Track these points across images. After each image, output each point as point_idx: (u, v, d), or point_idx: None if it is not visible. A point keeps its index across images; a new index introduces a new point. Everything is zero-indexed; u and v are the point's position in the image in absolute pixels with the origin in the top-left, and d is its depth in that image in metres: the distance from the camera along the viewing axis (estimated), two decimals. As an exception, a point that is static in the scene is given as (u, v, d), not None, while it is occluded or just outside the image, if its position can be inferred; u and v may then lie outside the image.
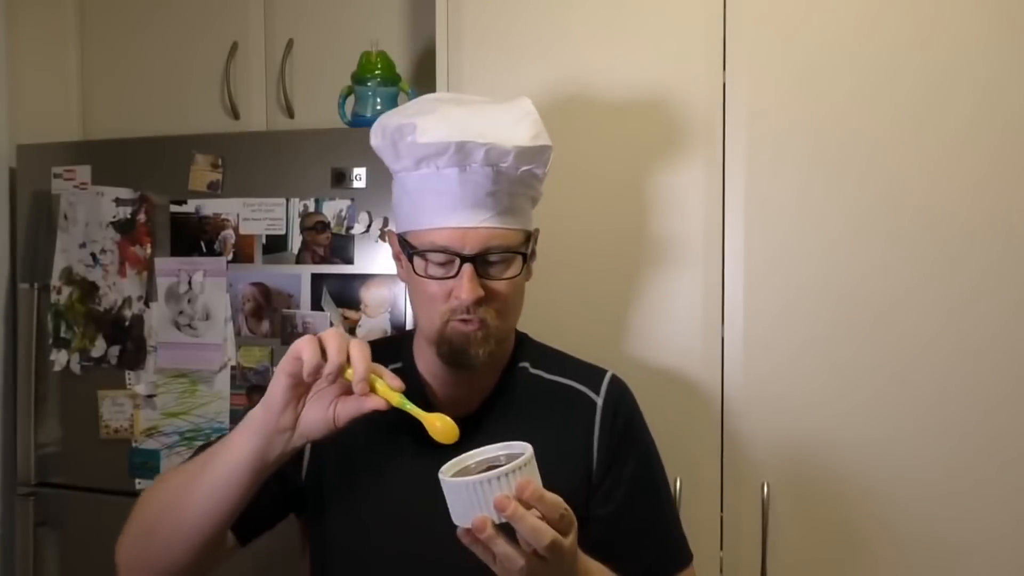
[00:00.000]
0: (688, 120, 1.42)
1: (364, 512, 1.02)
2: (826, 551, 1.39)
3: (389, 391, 0.85)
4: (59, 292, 1.77)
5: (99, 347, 1.75)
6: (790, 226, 1.39)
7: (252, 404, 1.63)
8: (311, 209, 1.62)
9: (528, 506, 0.77)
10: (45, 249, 1.79)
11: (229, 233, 1.67)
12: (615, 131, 1.45)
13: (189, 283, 1.69)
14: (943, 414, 1.34)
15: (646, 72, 1.44)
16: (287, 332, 1.64)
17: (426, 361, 1.05)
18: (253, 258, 1.66)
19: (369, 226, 1.59)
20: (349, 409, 0.87)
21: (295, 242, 1.64)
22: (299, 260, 1.63)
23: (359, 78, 1.72)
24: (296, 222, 1.63)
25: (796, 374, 1.39)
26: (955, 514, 1.34)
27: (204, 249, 1.69)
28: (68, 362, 1.77)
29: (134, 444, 1.73)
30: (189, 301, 1.69)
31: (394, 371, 1.04)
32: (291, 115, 1.97)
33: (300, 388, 0.87)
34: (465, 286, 0.94)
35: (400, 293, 1.58)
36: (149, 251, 1.72)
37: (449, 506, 0.80)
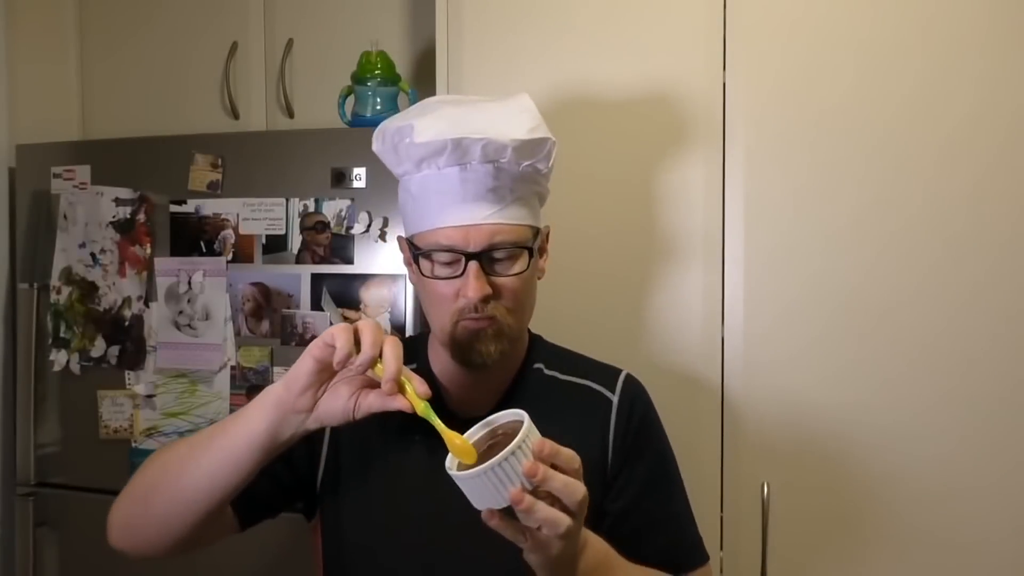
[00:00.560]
0: (688, 119, 1.42)
1: (379, 508, 1.02)
2: (826, 551, 1.39)
3: (416, 397, 0.84)
4: (59, 292, 1.77)
5: (99, 347, 1.75)
6: (790, 225, 1.39)
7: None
8: (311, 209, 1.62)
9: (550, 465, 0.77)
10: (45, 249, 1.79)
11: (229, 233, 1.67)
12: (615, 130, 1.45)
13: (189, 283, 1.69)
14: (944, 414, 1.34)
15: (646, 71, 1.44)
16: (287, 332, 1.64)
17: (441, 362, 1.05)
18: (253, 258, 1.66)
19: (369, 226, 1.59)
20: (372, 403, 0.86)
21: (295, 242, 1.64)
22: (299, 260, 1.63)
23: (359, 78, 1.72)
24: (296, 222, 1.63)
25: (796, 374, 1.39)
26: (956, 514, 1.34)
27: (204, 249, 1.69)
28: (68, 362, 1.77)
29: (134, 444, 1.73)
30: (189, 301, 1.69)
31: None
32: (291, 115, 1.97)
33: (325, 374, 0.86)
34: (471, 284, 0.94)
35: (400, 293, 1.58)
36: (149, 251, 1.72)
37: (469, 497, 0.79)
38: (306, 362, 0.85)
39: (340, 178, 1.61)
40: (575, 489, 0.77)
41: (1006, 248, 1.32)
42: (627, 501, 1.04)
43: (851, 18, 1.36)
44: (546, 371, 1.08)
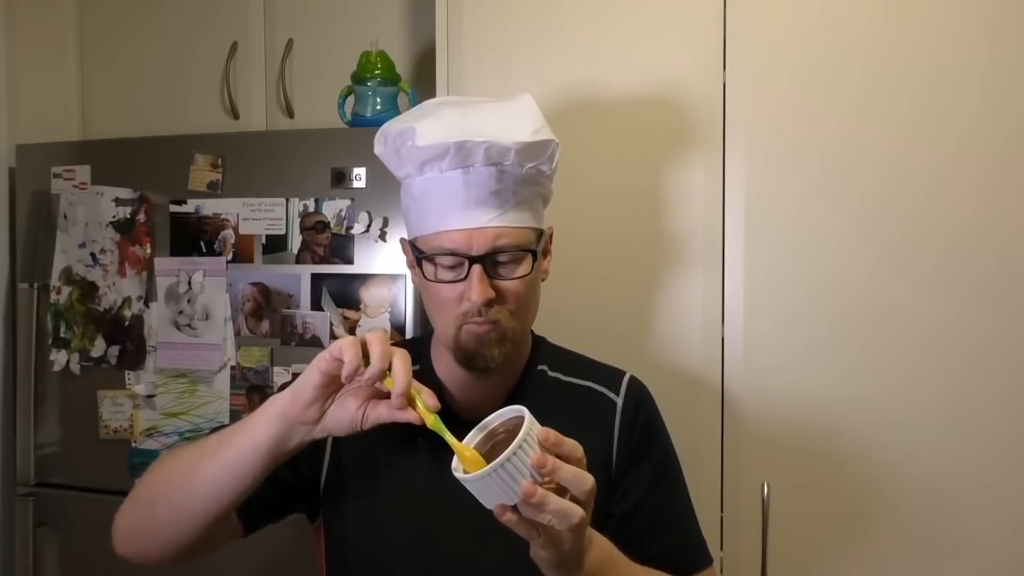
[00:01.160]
0: (688, 120, 1.42)
1: (383, 513, 1.02)
2: (826, 551, 1.39)
3: (426, 411, 0.84)
4: (59, 292, 1.77)
5: (99, 347, 1.75)
6: (790, 227, 1.39)
7: (252, 404, 1.66)
8: (311, 209, 1.62)
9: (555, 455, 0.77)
10: (45, 249, 1.79)
11: (229, 233, 1.67)
12: (614, 131, 1.45)
13: (189, 283, 1.69)
14: (944, 415, 1.34)
15: (646, 72, 1.43)
16: (287, 332, 1.64)
17: (444, 365, 1.04)
18: (253, 258, 1.66)
19: (369, 226, 1.59)
20: (381, 415, 0.86)
21: (295, 242, 1.64)
22: (299, 260, 1.63)
23: (359, 78, 1.72)
24: (296, 222, 1.63)
25: (797, 374, 1.39)
26: (956, 514, 1.34)
27: (204, 249, 1.69)
28: (68, 362, 1.77)
29: (134, 444, 1.73)
30: (189, 301, 1.69)
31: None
32: (291, 115, 1.97)
33: (332, 387, 0.86)
34: (474, 287, 0.93)
35: (400, 293, 1.58)
36: (149, 251, 1.72)
37: (478, 498, 0.79)
38: (313, 375, 0.85)
39: (340, 178, 1.61)
40: (584, 479, 0.77)
41: (1007, 252, 1.32)
42: (631, 503, 1.03)
43: (851, 19, 1.36)
44: (550, 373, 1.08)
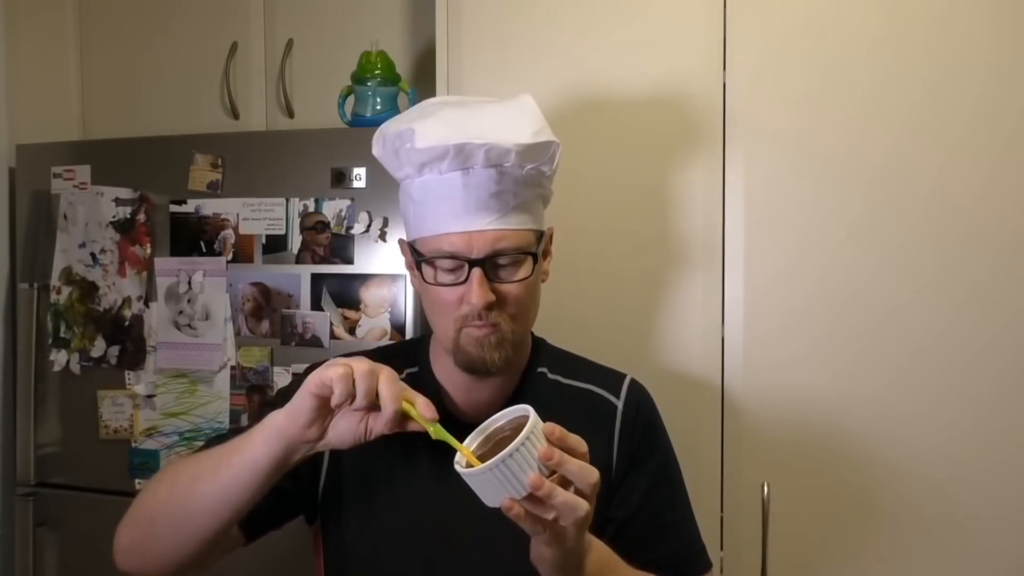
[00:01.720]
0: (688, 120, 1.42)
1: (382, 521, 1.01)
2: (826, 551, 1.39)
3: (426, 422, 0.84)
4: (59, 292, 1.77)
5: (99, 347, 1.75)
6: (790, 228, 1.39)
7: (252, 404, 1.66)
8: (311, 209, 1.62)
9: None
10: (45, 249, 1.79)
11: (229, 233, 1.67)
12: (614, 131, 1.45)
13: (189, 283, 1.69)
14: (944, 415, 1.34)
15: (646, 72, 1.43)
16: (287, 332, 1.64)
17: (443, 367, 1.04)
18: (253, 258, 1.66)
19: (369, 226, 1.59)
20: (385, 427, 0.85)
21: (295, 242, 1.64)
22: (299, 260, 1.63)
23: (359, 78, 1.72)
24: (296, 222, 1.63)
25: (796, 374, 1.39)
26: (956, 515, 1.34)
27: (204, 249, 1.69)
28: (68, 362, 1.77)
29: (134, 444, 1.73)
30: (189, 301, 1.69)
31: (410, 376, 1.02)
32: (291, 115, 1.97)
33: (328, 407, 0.85)
34: (475, 291, 0.92)
35: (400, 293, 1.58)
36: (149, 251, 1.72)
37: (480, 494, 0.79)
38: (306, 400, 0.84)
39: (340, 178, 1.61)
40: (590, 471, 0.77)
41: (1007, 253, 1.32)
42: (631, 507, 1.03)
43: (852, 20, 1.35)
44: (550, 375, 1.07)
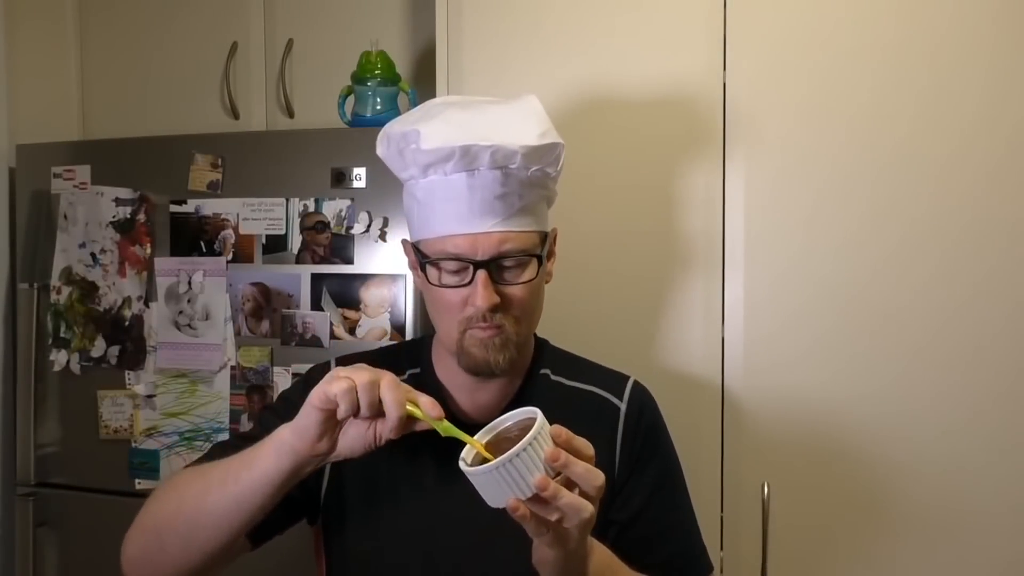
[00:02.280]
0: (688, 121, 1.42)
1: (384, 523, 1.01)
2: (826, 551, 1.39)
3: (431, 421, 0.84)
4: (59, 292, 1.77)
5: (99, 347, 1.75)
6: (790, 228, 1.39)
7: (252, 404, 1.66)
8: (311, 209, 1.62)
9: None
10: (45, 249, 1.79)
11: (229, 233, 1.67)
12: (614, 131, 1.45)
13: (189, 283, 1.69)
14: (944, 416, 1.34)
15: (647, 72, 1.43)
16: (287, 332, 1.64)
17: (445, 368, 1.04)
18: (253, 258, 1.66)
19: (369, 226, 1.59)
20: (391, 432, 0.85)
21: (295, 242, 1.64)
22: (299, 260, 1.63)
23: (359, 78, 1.72)
24: (296, 222, 1.63)
25: (797, 375, 1.39)
26: (956, 514, 1.34)
27: (204, 249, 1.69)
28: (68, 362, 1.77)
29: (134, 444, 1.73)
30: (189, 301, 1.69)
31: (412, 377, 1.02)
32: (291, 115, 1.97)
33: (334, 421, 0.85)
34: (480, 293, 0.92)
35: (400, 293, 1.58)
36: (149, 251, 1.72)
37: (483, 494, 0.79)
38: (312, 415, 0.84)
39: (340, 178, 1.61)
40: (595, 474, 0.77)
41: (1007, 253, 1.32)
42: (633, 510, 1.03)
43: (852, 20, 1.36)
44: (552, 377, 1.07)
